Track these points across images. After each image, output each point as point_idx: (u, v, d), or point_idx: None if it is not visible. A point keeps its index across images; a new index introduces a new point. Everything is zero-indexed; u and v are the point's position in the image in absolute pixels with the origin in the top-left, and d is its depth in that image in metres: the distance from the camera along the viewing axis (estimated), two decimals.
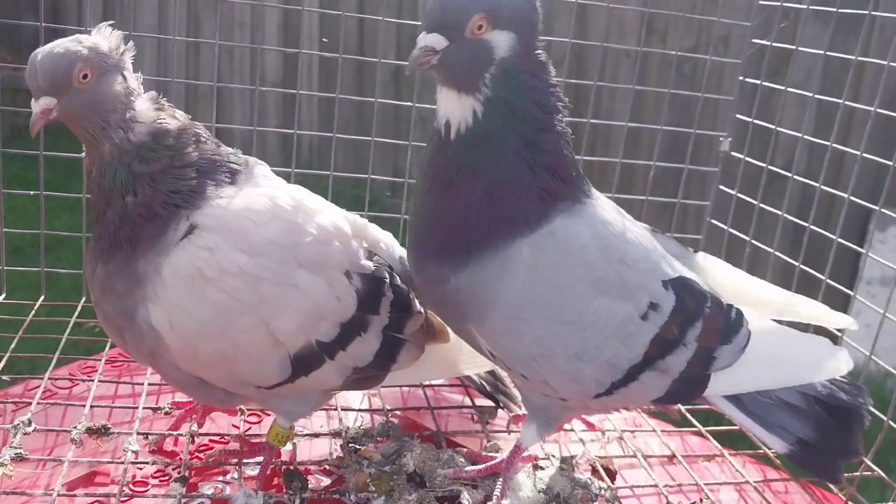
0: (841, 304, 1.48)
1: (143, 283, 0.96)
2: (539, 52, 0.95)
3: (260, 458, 1.15)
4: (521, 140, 0.94)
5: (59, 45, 0.95)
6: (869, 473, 1.28)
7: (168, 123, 1.00)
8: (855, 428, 1.10)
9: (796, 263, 1.49)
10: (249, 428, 1.25)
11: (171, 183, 0.98)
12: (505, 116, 0.93)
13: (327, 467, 1.17)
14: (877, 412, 1.32)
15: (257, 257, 0.96)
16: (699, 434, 1.38)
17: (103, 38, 1.00)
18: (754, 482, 1.25)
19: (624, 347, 1.00)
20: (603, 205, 1.04)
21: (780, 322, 1.15)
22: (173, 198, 0.97)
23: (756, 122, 1.61)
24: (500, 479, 1.11)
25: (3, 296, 1.52)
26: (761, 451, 1.33)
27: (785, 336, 1.14)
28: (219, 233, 0.96)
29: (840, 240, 1.42)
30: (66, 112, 0.95)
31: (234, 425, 1.26)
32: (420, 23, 1.61)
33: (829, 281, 1.43)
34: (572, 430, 1.33)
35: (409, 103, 1.61)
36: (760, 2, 1.61)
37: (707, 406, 1.13)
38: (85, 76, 0.95)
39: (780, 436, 1.07)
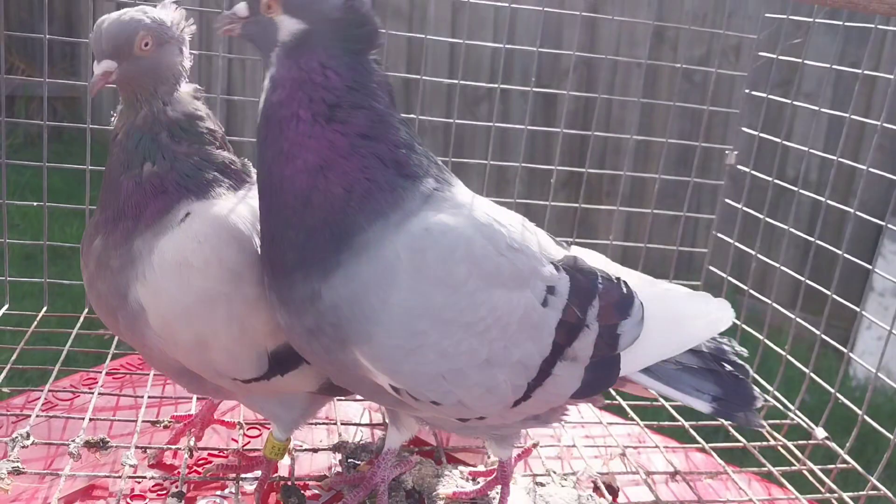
0: (851, 316, 1.47)
1: (136, 263, 0.97)
2: (347, 53, 0.89)
3: (258, 473, 1.14)
4: (311, 116, 0.87)
5: (125, 13, 0.99)
6: (875, 493, 1.26)
7: (203, 113, 1.04)
8: (742, 378, 1.13)
9: (801, 279, 1.48)
10: (248, 442, 1.25)
11: (189, 168, 1.00)
12: (290, 93, 0.88)
13: (324, 483, 1.16)
14: (883, 430, 1.31)
15: (244, 254, 0.97)
16: (703, 451, 1.37)
17: (167, 12, 1.03)
18: (759, 500, 1.23)
19: (531, 341, 0.95)
20: (468, 192, 0.98)
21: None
22: (186, 181, 0.99)
23: (762, 135, 1.60)
24: (500, 492, 1.10)
25: (7, 307, 1.52)
26: (766, 469, 1.32)
27: (671, 297, 1.15)
28: (211, 226, 0.97)
29: (846, 255, 1.40)
30: (124, 77, 0.99)
31: (233, 439, 1.26)
32: (425, 35, 1.61)
33: (834, 296, 1.41)
34: (574, 445, 1.32)
35: (412, 115, 1.60)
36: (767, 14, 1.59)
37: (642, 396, 1.17)
38: (146, 44, 0.98)
39: (698, 397, 1.09)
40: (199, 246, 0.96)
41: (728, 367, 1.12)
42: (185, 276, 0.96)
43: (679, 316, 1.11)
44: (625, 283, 1.06)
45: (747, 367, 1.14)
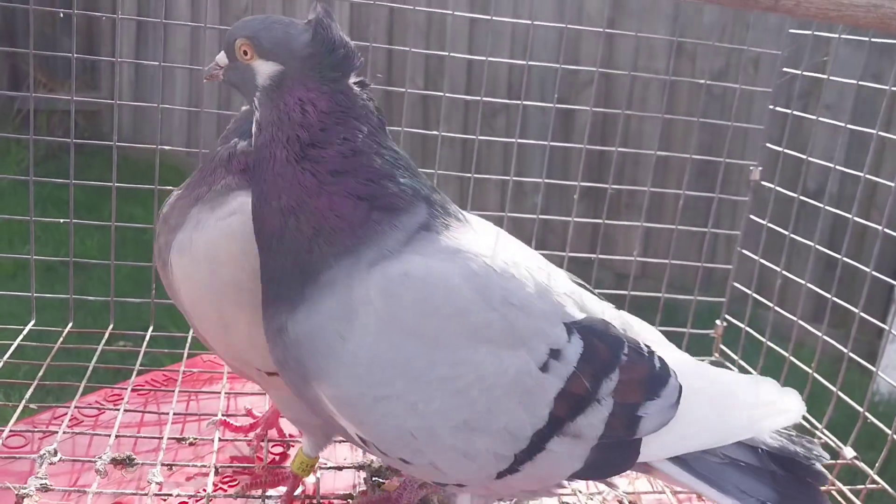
0: (875, 328, 1.46)
1: (183, 229, 1.03)
2: (325, 82, 0.88)
3: (283, 489, 1.15)
4: (285, 155, 0.87)
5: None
6: None
7: None
8: (815, 486, 0.95)
9: (828, 296, 1.46)
10: (273, 459, 1.25)
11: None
12: (271, 135, 0.89)
13: (350, 502, 1.16)
14: None
15: None
16: None
17: None
18: None
19: (523, 408, 0.85)
20: (477, 232, 0.92)
21: None
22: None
23: (786, 151, 1.59)
24: None
25: (33, 322, 1.53)
26: None
27: (723, 381, 1.00)
28: (247, 224, 0.98)
29: (874, 272, 1.39)
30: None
31: (258, 457, 1.26)
32: (447, 52, 1.62)
33: (862, 314, 1.40)
34: None
35: (435, 132, 1.61)
36: (791, 30, 1.59)
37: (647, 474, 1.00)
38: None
39: (739, 498, 0.92)
40: (229, 242, 1.00)
41: (788, 470, 0.95)
42: (213, 267, 1.01)
43: (729, 402, 0.96)
44: (660, 357, 0.94)
45: (825, 472, 0.96)
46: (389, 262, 0.85)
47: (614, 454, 0.90)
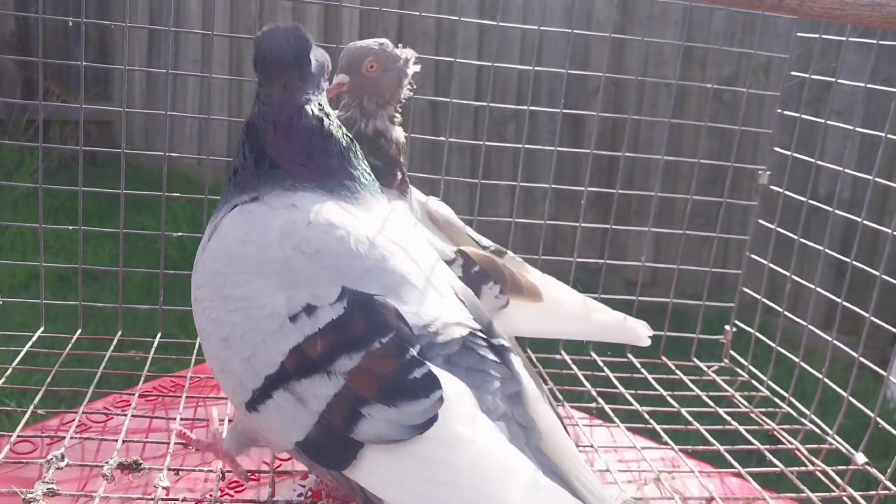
0: (887, 334, 1.44)
1: None
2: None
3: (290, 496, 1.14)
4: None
5: (364, 42, 1.23)
6: None
7: (392, 140, 1.24)
8: None
9: (839, 301, 1.45)
10: (280, 465, 1.25)
11: None
12: None
13: None
14: None
15: None
16: (739, 475, 1.34)
17: (401, 50, 1.25)
18: None
19: (264, 348, 0.88)
20: (350, 207, 0.97)
21: None
22: None
23: (795, 155, 1.58)
24: None
25: (42, 329, 1.54)
26: (804, 495, 1.29)
27: (502, 464, 0.80)
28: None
29: (885, 277, 1.38)
30: (352, 89, 1.22)
31: (264, 462, 1.26)
32: (455, 59, 1.62)
33: (873, 319, 1.39)
34: (608, 470, 1.30)
35: (442, 138, 1.61)
36: (799, 34, 1.58)
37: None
38: (371, 67, 1.21)
39: None
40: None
41: None
42: None
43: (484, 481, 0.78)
44: (431, 373, 0.83)
45: None
46: (254, 201, 0.99)
47: (330, 444, 0.85)
